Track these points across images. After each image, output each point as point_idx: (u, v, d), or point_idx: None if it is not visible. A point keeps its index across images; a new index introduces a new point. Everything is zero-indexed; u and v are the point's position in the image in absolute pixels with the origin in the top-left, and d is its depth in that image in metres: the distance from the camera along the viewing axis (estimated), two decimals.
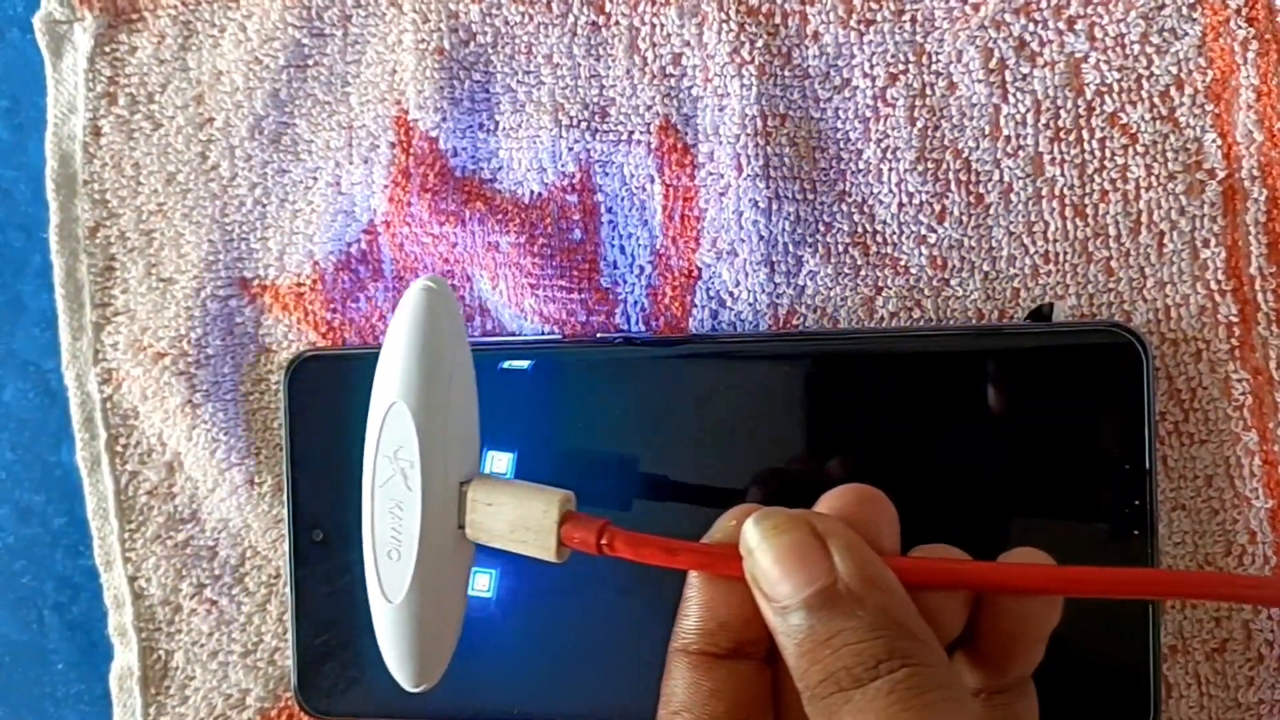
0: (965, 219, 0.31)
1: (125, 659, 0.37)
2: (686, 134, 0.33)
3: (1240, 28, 0.30)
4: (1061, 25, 0.31)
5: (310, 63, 0.36)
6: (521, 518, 0.25)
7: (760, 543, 0.22)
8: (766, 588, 0.22)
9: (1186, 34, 0.30)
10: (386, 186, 0.35)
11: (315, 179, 0.36)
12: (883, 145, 0.32)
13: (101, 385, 0.37)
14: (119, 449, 0.37)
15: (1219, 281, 0.30)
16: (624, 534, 0.24)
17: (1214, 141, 0.30)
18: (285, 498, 0.34)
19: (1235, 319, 0.30)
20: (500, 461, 0.32)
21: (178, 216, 0.36)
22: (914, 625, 0.21)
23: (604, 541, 0.24)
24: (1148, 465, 0.29)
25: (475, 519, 0.26)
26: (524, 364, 0.33)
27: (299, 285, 0.36)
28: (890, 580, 0.22)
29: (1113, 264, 0.31)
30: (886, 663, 0.20)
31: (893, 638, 0.21)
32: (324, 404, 0.34)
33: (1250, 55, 0.29)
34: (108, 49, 0.37)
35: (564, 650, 0.32)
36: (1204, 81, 0.30)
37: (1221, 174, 0.30)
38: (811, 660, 0.21)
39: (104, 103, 0.37)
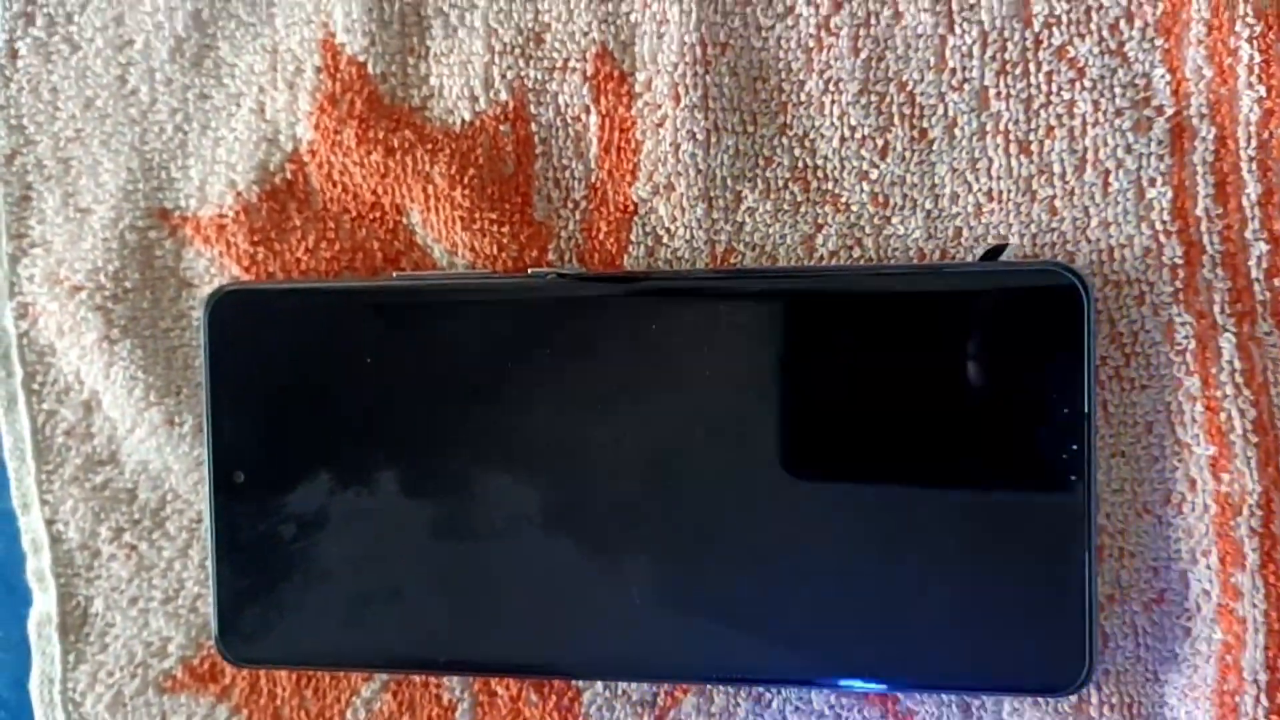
0: (908, 155, 0.33)
1: (44, 605, 0.38)
2: (624, 62, 0.34)
3: None
4: None
5: None
6: None
7: None
8: None
9: None
10: (312, 113, 0.36)
11: (238, 105, 0.37)
12: (825, 76, 0.33)
13: (18, 320, 0.38)
14: (35, 387, 0.38)
15: (1164, 222, 0.31)
16: None
17: (1163, 77, 0.31)
18: (205, 438, 0.35)
19: (1180, 261, 0.31)
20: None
21: (96, 144, 0.37)
22: None
23: None
24: (1087, 409, 0.30)
25: None
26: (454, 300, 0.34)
27: (221, 217, 0.37)
28: None
29: (1057, 203, 0.32)
30: None
31: None
32: (246, 341, 0.35)
33: None
34: None
35: (491, 596, 0.34)
36: (1154, 14, 0.31)
37: (1170, 111, 0.31)
38: None
39: (21, 23, 0.38)
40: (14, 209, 0.38)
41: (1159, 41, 0.31)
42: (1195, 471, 0.31)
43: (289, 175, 0.37)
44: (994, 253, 0.32)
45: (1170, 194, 0.31)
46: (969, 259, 0.32)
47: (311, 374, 0.35)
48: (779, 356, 0.32)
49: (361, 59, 0.36)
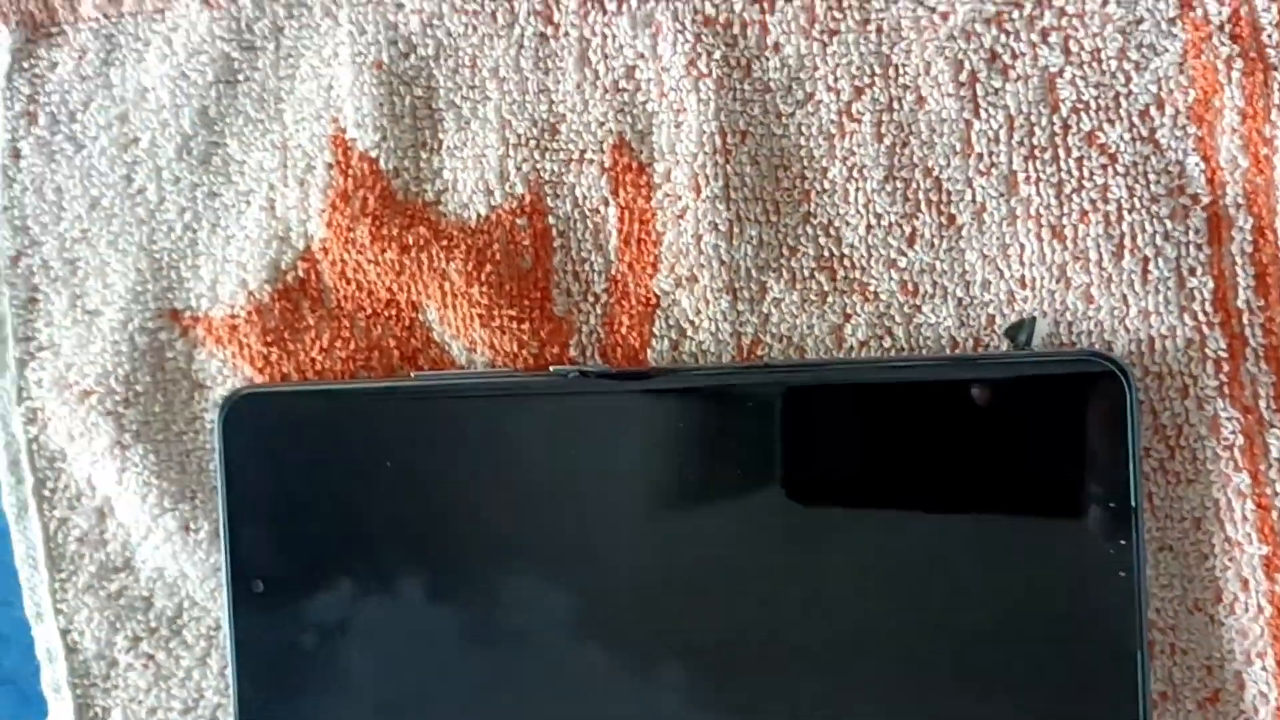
0: (937, 241, 0.32)
1: (61, 716, 0.38)
2: (642, 152, 0.34)
3: (1224, 45, 0.30)
4: (1035, 37, 0.32)
5: (241, 78, 0.36)
6: None
7: None
8: None
9: (1166, 50, 0.31)
10: (324, 210, 0.35)
11: (248, 202, 0.36)
12: (849, 163, 0.33)
13: (27, 425, 0.37)
14: (46, 493, 0.37)
15: (1207, 314, 0.31)
16: None
17: (1197, 165, 0.31)
18: (222, 546, 0.34)
19: (1224, 354, 0.31)
20: None
21: (103, 244, 0.37)
22: None
23: None
24: (1134, 503, 0.29)
25: None
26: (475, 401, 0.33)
27: (233, 317, 0.36)
28: None
29: (1093, 290, 0.31)
30: None
31: None
32: (262, 445, 0.35)
33: (1235, 75, 0.30)
34: (26, 65, 0.37)
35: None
36: (1185, 101, 0.31)
37: (1206, 200, 0.31)
38: None
39: (23, 122, 0.37)
40: (21, 312, 0.37)
41: (1192, 129, 0.31)
42: (1248, 571, 0.31)
43: (301, 273, 0.36)
44: (1019, 328, 0.31)
45: (1211, 284, 0.31)
46: (1004, 348, 0.32)
47: (330, 478, 0.35)
48: (812, 453, 0.32)
49: (373, 154, 0.35)
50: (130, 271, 0.37)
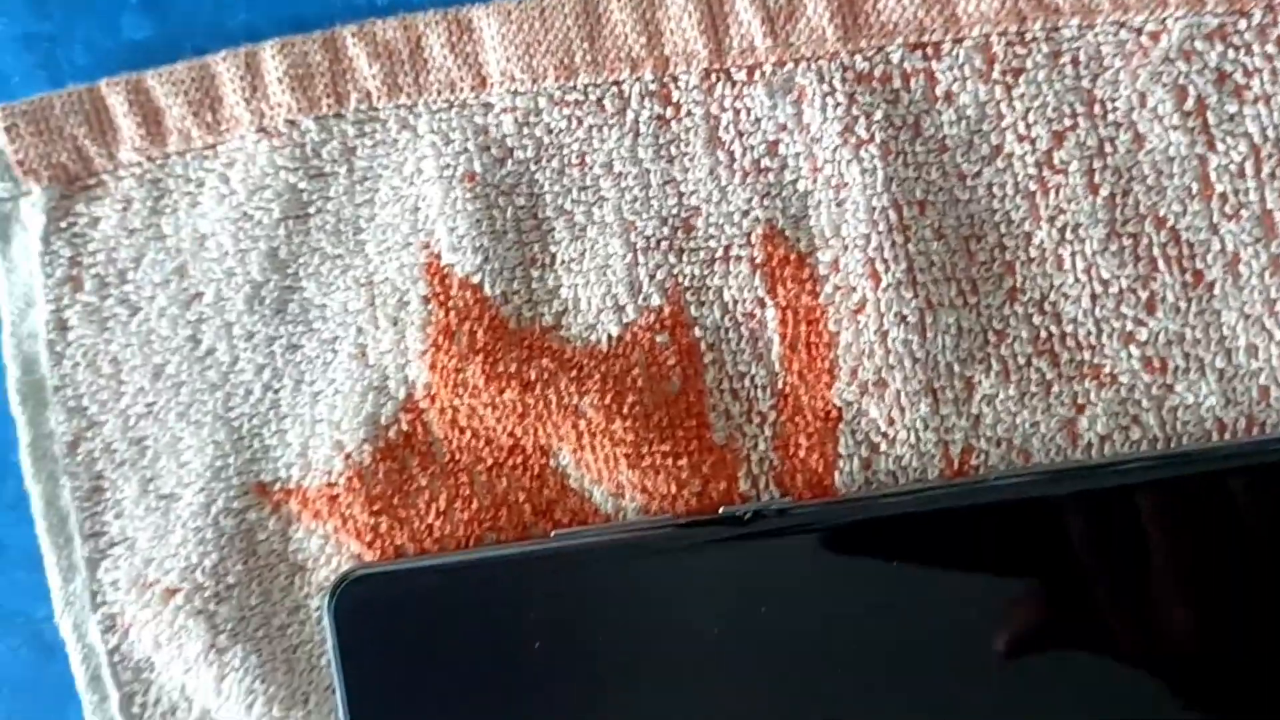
0: (1183, 305, 0.28)
1: None
2: (799, 240, 0.30)
3: None
4: (1271, 48, 0.27)
5: (312, 210, 0.32)
6: None
7: None
8: None
9: None
10: (425, 352, 0.31)
11: (335, 351, 0.32)
12: (1058, 224, 0.29)
13: (105, 634, 0.33)
14: (135, 710, 0.33)
15: None
16: None
17: None
18: None
19: None
20: None
21: (172, 417, 0.33)
22: None
23: None
24: None
25: None
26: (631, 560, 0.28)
27: (331, 485, 0.32)
28: None
29: None
30: None
31: None
32: (382, 632, 0.30)
33: None
34: (64, 224, 0.33)
35: None
36: None
37: None
38: None
39: (67, 289, 0.33)
40: (85, 504, 0.33)
41: None
42: None
43: (405, 427, 0.32)
44: None
45: None
46: None
47: (465, 665, 0.30)
48: (1067, 587, 0.26)
49: (476, 279, 0.31)
50: (207, 445, 0.33)
